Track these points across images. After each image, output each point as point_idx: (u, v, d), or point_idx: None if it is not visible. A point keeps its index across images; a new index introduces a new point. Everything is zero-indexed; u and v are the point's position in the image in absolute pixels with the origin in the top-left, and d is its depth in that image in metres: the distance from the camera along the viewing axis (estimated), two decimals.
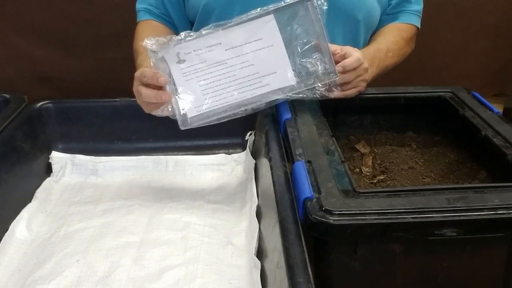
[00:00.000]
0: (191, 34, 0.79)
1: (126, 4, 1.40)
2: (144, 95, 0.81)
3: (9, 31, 1.51)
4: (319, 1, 0.80)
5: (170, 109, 0.81)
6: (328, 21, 1.00)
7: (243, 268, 0.73)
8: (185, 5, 1.07)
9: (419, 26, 1.12)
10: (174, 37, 0.78)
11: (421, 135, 0.95)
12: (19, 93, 1.00)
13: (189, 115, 0.82)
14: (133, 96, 1.01)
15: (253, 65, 0.82)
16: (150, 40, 0.78)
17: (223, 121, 0.84)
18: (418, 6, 1.11)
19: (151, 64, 0.80)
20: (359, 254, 0.61)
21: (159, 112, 0.82)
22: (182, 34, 0.79)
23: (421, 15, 1.12)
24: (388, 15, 1.11)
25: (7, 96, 0.99)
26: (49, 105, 1.00)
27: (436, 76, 1.63)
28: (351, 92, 0.90)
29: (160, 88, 0.80)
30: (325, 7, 0.81)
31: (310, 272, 0.53)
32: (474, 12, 1.57)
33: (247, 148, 0.98)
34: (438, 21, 1.52)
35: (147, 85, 0.81)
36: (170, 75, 0.80)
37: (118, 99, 1.02)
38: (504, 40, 1.62)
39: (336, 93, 0.88)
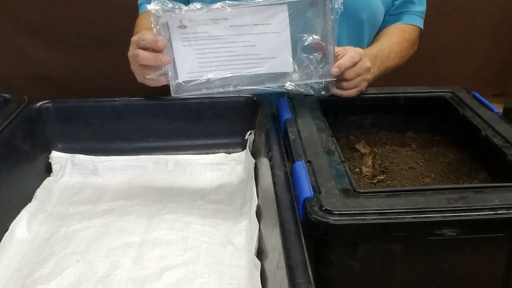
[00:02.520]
0: (199, 6, 0.78)
1: (126, 4, 1.41)
2: (141, 57, 0.79)
3: (9, 31, 1.51)
4: (336, 4, 0.80)
5: (165, 73, 0.81)
6: None
7: (243, 268, 0.73)
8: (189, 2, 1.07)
9: (422, 28, 1.12)
10: (182, 6, 0.77)
11: (421, 135, 0.95)
12: (19, 93, 1.00)
13: (181, 79, 0.82)
14: (133, 96, 1.02)
15: (255, 46, 0.81)
16: (155, 4, 0.76)
17: (214, 92, 0.83)
18: (421, 7, 1.12)
19: (153, 29, 0.78)
20: (359, 254, 0.61)
21: (153, 77, 0.81)
22: (191, 5, 0.78)
23: (424, 16, 1.12)
24: (392, 16, 1.11)
25: (7, 96, 0.98)
26: (49, 105, 1.00)
27: (436, 76, 1.63)
28: (351, 92, 0.90)
29: (158, 52, 0.79)
30: (340, 10, 0.81)
31: (310, 273, 0.53)
32: (474, 12, 1.58)
33: (247, 147, 0.98)
34: (438, 21, 1.52)
35: (144, 49, 0.80)
36: (169, 40, 0.79)
37: (118, 99, 1.01)
38: (504, 40, 1.62)
39: (336, 90, 0.88)
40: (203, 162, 1.00)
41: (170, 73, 0.80)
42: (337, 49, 0.86)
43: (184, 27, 0.79)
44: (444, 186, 0.74)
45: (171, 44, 0.80)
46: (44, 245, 0.79)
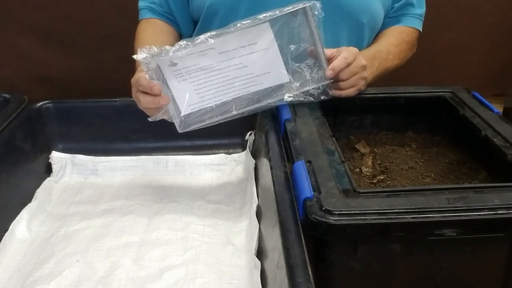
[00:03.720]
0: (184, 43, 0.79)
1: (126, 4, 1.40)
2: (142, 102, 0.82)
3: (9, 31, 1.51)
4: (316, 11, 0.81)
5: (166, 114, 0.82)
6: (334, 24, 1.00)
7: (243, 268, 0.73)
8: (189, 4, 1.07)
9: (421, 30, 1.12)
10: (167, 48, 0.78)
11: (421, 135, 0.95)
12: (19, 93, 1.00)
13: (184, 113, 0.82)
14: None
15: (246, 66, 0.82)
16: (142, 52, 0.77)
17: (219, 122, 0.84)
18: (421, 10, 1.12)
19: (146, 75, 0.79)
20: (359, 254, 0.61)
21: (159, 116, 0.83)
22: (177, 45, 0.78)
23: (423, 19, 1.12)
24: (391, 18, 1.11)
25: (7, 96, 0.99)
26: (49, 105, 1.00)
27: (436, 76, 1.63)
28: (349, 91, 0.90)
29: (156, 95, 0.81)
30: (321, 16, 0.81)
31: (310, 272, 0.53)
32: (474, 12, 1.57)
33: (247, 148, 0.98)
34: (438, 21, 1.52)
35: (144, 92, 0.81)
36: (164, 80, 0.80)
37: (118, 99, 1.02)
38: (504, 40, 1.62)
39: (333, 92, 0.88)
40: (203, 162, 1.00)
41: (172, 112, 0.81)
42: (332, 50, 0.86)
43: (175, 64, 0.80)
44: (444, 186, 0.74)
45: (166, 83, 0.80)
46: (44, 245, 0.79)
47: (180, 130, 0.83)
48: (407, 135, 0.96)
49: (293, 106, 0.88)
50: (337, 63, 0.85)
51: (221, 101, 0.83)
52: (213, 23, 1.03)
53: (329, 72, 0.85)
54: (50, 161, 0.98)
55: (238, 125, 0.99)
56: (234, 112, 0.84)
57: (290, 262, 0.55)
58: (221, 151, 1.02)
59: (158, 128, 1.01)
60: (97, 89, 1.52)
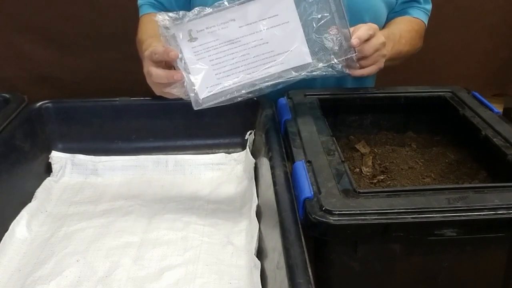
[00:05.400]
0: (206, 9, 0.77)
1: (126, 4, 1.40)
2: (154, 75, 0.79)
3: (9, 31, 1.51)
4: None
5: (181, 88, 0.79)
6: None
7: (243, 268, 0.73)
8: (190, 3, 1.07)
9: (426, 24, 1.12)
10: (187, 13, 0.76)
11: (421, 135, 0.95)
12: (19, 93, 1.00)
13: (200, 95, 0.80)
14: (133, 96, 1.02)
15: (267, 43, 0.79)
16: (162, 15, 0.75)
17: (236, 101, 0.81)
18: (428, 5, 1.12)
19: (162, 40, 0.77)
20: (359, 254, 0.61)
21: (170, 91, 0.80)
22: (196, 10, 0.76)
23: (429, 14, 1.12)
24: (396, 13, 1.10)
25: (7, 96, 0.99)
26: (49, 105, 1.00)
27: (436, 76, 1.63)
28: (371, 69, 0.88)
29: (171, 66, 0.78)
30: None
31: (310, 273, 0.53)
32: (474, 12, 1.58)
33: (247, 147, 0.98)
34: (438, 21, 1.52)
35: (157, 64, 0.79)
36: (181, 52, 0.78)
37: (118, 99, 1.02)
38: (504, 40, 1.62)
39: (356, 71, 0.86)
40: (203, 162, 1.00)
41: (187, 87, 0.79)
42: (350, 28, 0.84)
43: (194, 39, 0.77)
44: (444, 186, 0.74)
45: (184, 58, 0.78)
46: (44, 245, 0.79)
47: (195, 108, 0.80)
48: (407, 135, 0.96)
49: (293, 106, 0.88)
50: (361, 33, 0.83)
51: (241, 83, 0.80)
52: None
53: (355, 41, 0.81)
54: (50, 161, 0.97)
55: (238, 125, 0.99)
56: (255, 88, 0.80)
57: (290, 262, 0.55)
58: (221, 151, 1.02)
59: (158, 127, 1.01)
60: (97, 89, 1.52)
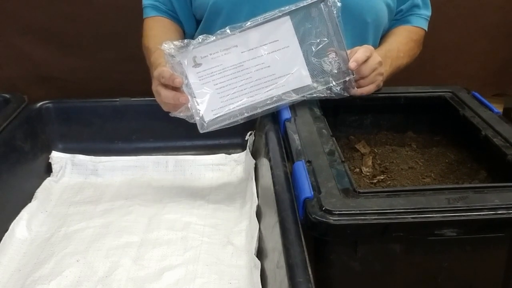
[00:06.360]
0: (209, 37, 0.80)
1: (126, 4, 1.41)
2: (162, 96, 0.82)
3: (9, 31, 1.51)
4: (333, 1, 0.80)
5: (187, 112, 0.82)
6: None
7: (243, 268, 0.73)
8: (192, 3, 1.07)
9: (426, 30, 1.14)
10: (191, 41, 0.79)
11: (421, 135, 0.95)
12: (19, 93, 1.00)
13: (206, 119, 0.83)
14: (133, 96, 1.02)
15: (269, 66, 0.83)
16: (167, 44, 0.79)
17: (239, 123, 0.84)
18: (427, 11, 1.14)
19: (168, 67, 0.80)
20: (359, 254, 0.61)
21: (176, 113, 0.83)
22: (200, 38, 0.80)
23: (428, 19, 1.14)
24: (397, 21, 1.13)
25: (7, 96, 0.99)
26: (49, 105, 1.00)
27: (436, 76, 1.63)
28: (369, 88, 0.90)
29: (177, 89, 0.81)
30: (339, 4, 0.81)
31: (310, 272, 0.53)
32: (474, 12, 1.57)
33: (247, 148, 0.98)
34: (438, 21, 1.52)
35: (165, 86, 0.82)
36: (186, 78, 0.81)
37: (118, 99, 1.02)
38: (504, 40, 1.62)
39: (354, 91, 0.88)
40: (203, 162, 1.00)
41: (193, 110, 0.81)
42: (347, 51, 0.86)
43: (199, 65, 0.80)
44: (444, 186, 0.74)
45: (189, 83, 0.81)
46: (44, 245, 0.79)
47: (201, 131, 0.84)
48: (407, 135, 0.96)
49: (293, 106, 0.88)
50: (358, 55, 0.86)
51: (244, 105, 0.83)
52: (216, 22, 1.03)
53: (353, 64, 0.84)
54: (50, 161, 0.98)
55: (238, 125, 0.98)
56: (257, 111, 0.84)
57: (290, 262, 0.55)
58: (221, 151, 1.02)
59: (158, 128, 1.01)
60: (97, 89, 1.52)
